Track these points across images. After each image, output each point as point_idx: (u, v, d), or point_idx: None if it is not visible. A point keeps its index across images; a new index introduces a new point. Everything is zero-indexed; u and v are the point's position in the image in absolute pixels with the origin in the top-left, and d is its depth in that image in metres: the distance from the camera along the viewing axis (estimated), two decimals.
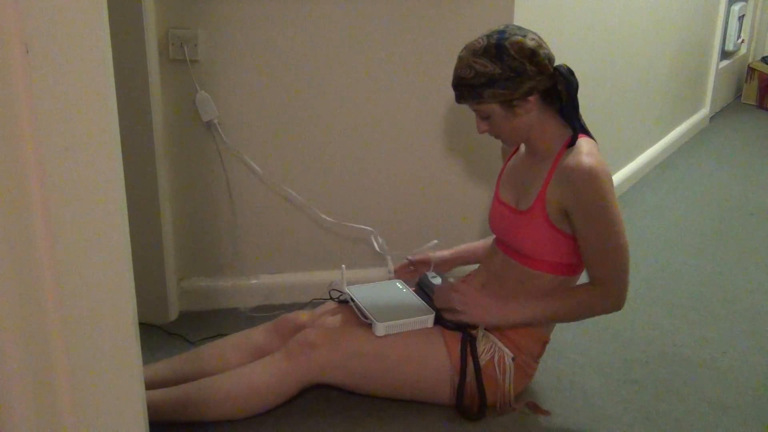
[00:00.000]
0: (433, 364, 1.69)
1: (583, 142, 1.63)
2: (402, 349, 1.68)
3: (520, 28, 1.60)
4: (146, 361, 1.69)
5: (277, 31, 2.02)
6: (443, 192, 2.25)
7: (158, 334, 2.06)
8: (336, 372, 1.66)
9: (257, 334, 1.80)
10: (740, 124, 4.37)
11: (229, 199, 2.13)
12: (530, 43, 1.56)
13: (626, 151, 3.25)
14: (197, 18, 1.97)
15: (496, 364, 1.69)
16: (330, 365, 1.65)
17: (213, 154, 2.09)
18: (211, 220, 2.15)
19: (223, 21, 1.98)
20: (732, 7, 4.31)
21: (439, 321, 1.73)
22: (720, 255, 2.63)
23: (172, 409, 1.62)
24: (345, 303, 1.83)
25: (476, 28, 2.11)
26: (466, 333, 1.70)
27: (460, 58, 1.61)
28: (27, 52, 0.76)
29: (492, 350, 1.69)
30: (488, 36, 1.59)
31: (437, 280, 1.84)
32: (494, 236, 1.84)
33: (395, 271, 1.96)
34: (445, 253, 1.94)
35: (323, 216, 2.16)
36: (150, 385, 1.57)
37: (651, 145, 3.54)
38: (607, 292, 1.62)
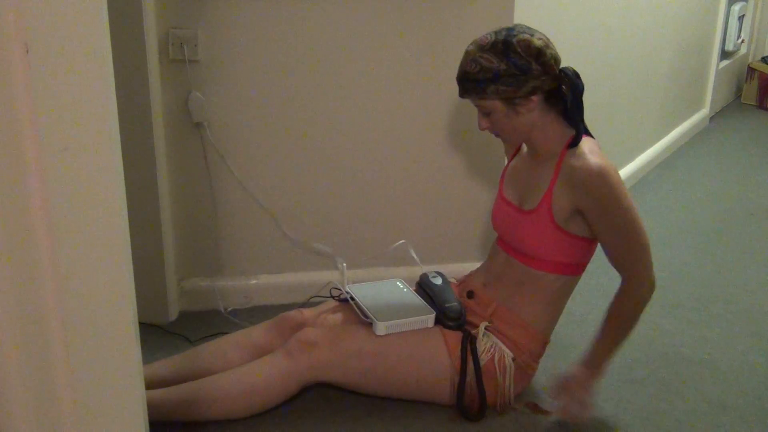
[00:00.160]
0: (434, 364, 1.69)
1: (584, 142, 1.63)
2: (402, 348, 1.68)
3: (529, 27, 1.61)
4: (146, 361, 1.69)
5: (277, 32, 2.02)
6: (442, 199, 2.25)
7: (158, 334, 2.06)
8: (336, 371, 1.66)
9: (257, 333, 1.80)
10: (740, 124, 4.37)
11: (224, 201, 2.13)
12: (537, 43, 1.57)
13: (626, 152, 3.25)
14: (197, 18, 1.97)
15: (496, 364, 1.69)
16: (330, 364, 1.65)
17: (208, 155, 2.09)
18: (211, 220, 2.15)
19: (223, 21, 1.98)
20: (732, 7, 4.30)
21: (439, 321, 1.73)
22: (720, 255, 2.63)
23: (172, 409, 1.62)
24: (345, 302, 1.83)
25: (476, 29, 2.11)
26: (467, 333, 1.70)
27: (467, 52, 1.62)
28: (27, 52, 0.76)
29: (492, 350, 1.69)
30: (496, 32, 1.59)
31: (437, 280, 1.84)
32: (496, 236, 1.84)
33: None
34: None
35: (286, 232, 2.16)
36: (150, 385, 1.57)
37: (651, 145, 3.54)
38: (641, 279, 1.64)
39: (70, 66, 0.79)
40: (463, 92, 1.64)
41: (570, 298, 1.77)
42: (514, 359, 1.70)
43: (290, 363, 1.64)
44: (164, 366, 1.75)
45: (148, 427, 0.99)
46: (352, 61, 2.09)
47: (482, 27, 2.11)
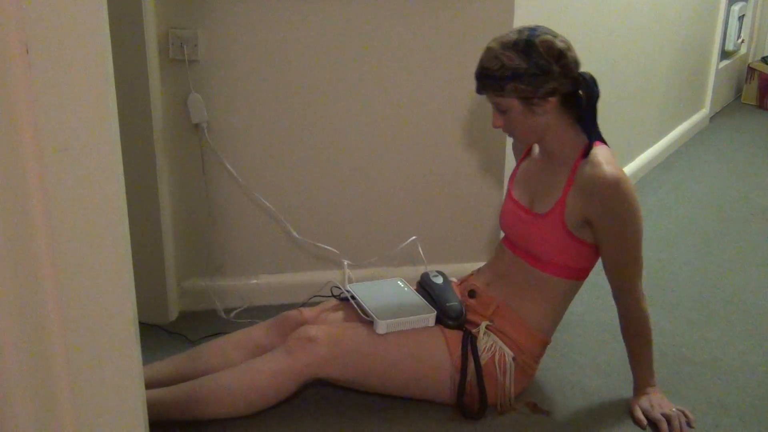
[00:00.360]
0: (434, 362, 1.69)
1: (599, 150, 1.64)
2: (403, 346, 1.68)
3: (551, 30, 1.62)
4: (146, 361, 1.69)
5: (277, 32, 2.02)
6: (447, 199, 2.25)
7: (158, 334, 2.06)
8: (336, 368, 1.66)
9: (258, 332, 1.80)
10: (740, 124, 4.37)
11: (224, 201, 2.13)
12: (559, 45, 1.58)
13: (626, 151, 3.25)
14: (197, 18, 1.97)
15: (496, 363, 1.69)
16: (330, 361, 1.65)
17: (208, 156, 2.09)
18: (211, 220, 2.15)
19: (223, 21, 1.98)
20: (732, 7, 4.30)
21: (439, 320, 1.74)
22: (720, 255, 2.63)
23: (172, 408, 1.62)
24: (346, 301, 1.83)
25: (476, 29, 2.12)
26: (467, 332, 1.70)
27: (488, 49, 1.62)
28: (27, 52, 0.76)
29: (493, 349, 1.70)
30: (519, 31, 1.60)
31: (438, 279, 1.84)
32: (502, 236, 1.84)
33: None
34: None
35: (290, 232, 2.16)
36: (150, 385, 1.57)
37: (651, 145, 3.54)
38: (636, 294, 1.69)
39: (70, 66, 0.79)
40: (481, 88, 1.65)
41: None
42: (514, 359, 1.70)
43: (290, 360, 1.64)
44: (164, 366, 1.75)
45: (148, 427, 0.99)
46: (353, 61, 2.09)
47: (482, 27, 2.12)
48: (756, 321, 2.18)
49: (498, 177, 2.26)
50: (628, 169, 3.26)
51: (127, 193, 0.88)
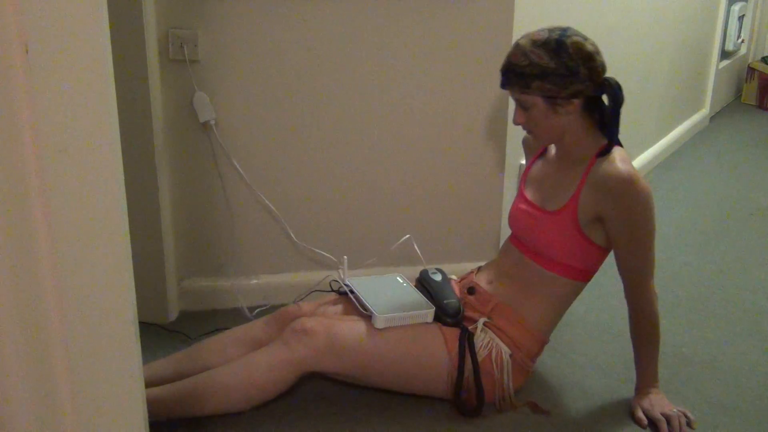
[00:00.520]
0: (431, 358, 1.69)
1: (615, 150, 1.65)
2: (400, 342, 1.68)
3: (581, 32, 1.62)
4: (146, 361, 1.69)
5: (278, 32, 2.02)
6: (446, 199, 2.25)
7: (158, 333, 2.06)
8: (333, 361, 1.65)
9: (257, 328, 1.80)
10: (740, 124, 4.37)
11: (226, 200, 2.13)
12: (589, 48, 1.59)
13: (626, 151, 3.25)
14: (197, 18, 1.97)
15: (493, 360, 1.69)
16: (327, 353, 1.64)
17: (211, 155, 2.09)
18: (211, 220, 2.15)
19: (223, 21, 1.98)
20: (732, 7, 4.30)
21: (437, 317, 1.74)
22: (720, 255, 2.63)
23: (171, 405, 1.62)
24: (344, 294, 1.83)
25: (476, 29, 2.12)
26: (464, 328, 1.70)
27: (517, 45, 1.62)
28: (27, 52, 0.76)
29: (489, 346, 1.70)
30: (550, 30, 1.61)
31: (437, 276, 1.85)
32: (510, 234, 1.84)
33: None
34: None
35: (292, 235, 2.16)
36: (150, 384, 1.57)
37: (651, 145, 3.54)
38: (652, 291, 1.69)
39: (70, 66, 0.79)
40: (506, 83, 1.65)
41: None
42: (511, 356, 1.70)
43: (286, 352, 1.64)
44: (164, 364, 1.75)
45: (148, 427, 0.99)
46: (353, 60, 2.09)
47: (482, 27, 2.12)
48: (756, 321, 2.18)
49: (497, 178, 2.26)
50: None
51: (127, 193, 0.88)
